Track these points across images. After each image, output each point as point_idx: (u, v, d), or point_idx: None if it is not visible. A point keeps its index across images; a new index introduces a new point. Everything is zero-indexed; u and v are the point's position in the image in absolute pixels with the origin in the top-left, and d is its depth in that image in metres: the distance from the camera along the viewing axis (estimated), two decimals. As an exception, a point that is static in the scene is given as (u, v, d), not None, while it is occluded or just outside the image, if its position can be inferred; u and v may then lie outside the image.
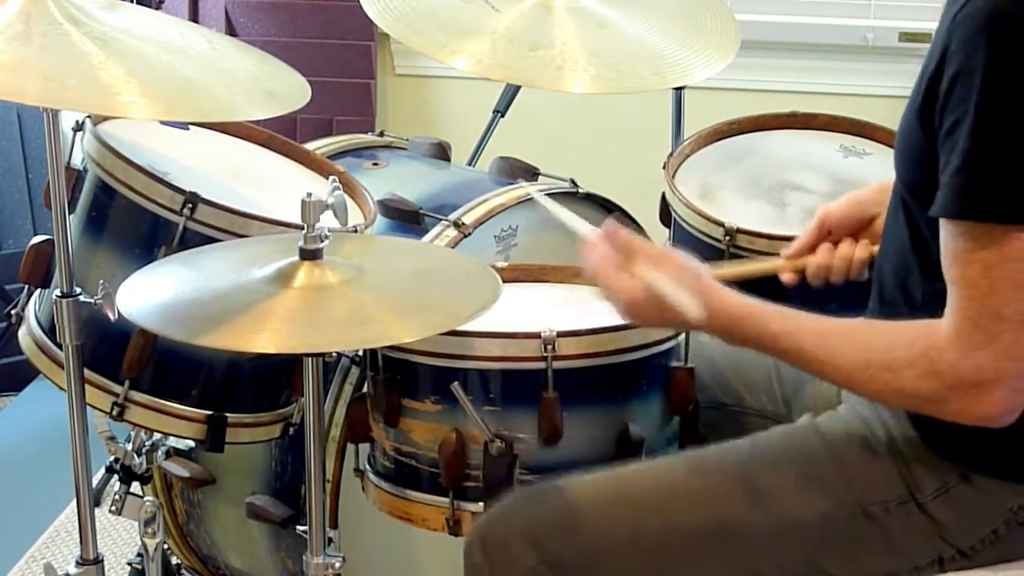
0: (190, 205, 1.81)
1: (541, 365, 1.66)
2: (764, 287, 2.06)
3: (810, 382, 1.76)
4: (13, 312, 2.00)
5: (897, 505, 1.52)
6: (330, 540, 1.69)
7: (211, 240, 1.81)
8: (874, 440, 1.56)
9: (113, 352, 1.86)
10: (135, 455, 2.14)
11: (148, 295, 1.59)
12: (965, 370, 1.39)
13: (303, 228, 1.58)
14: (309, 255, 1.57)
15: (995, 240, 1.36)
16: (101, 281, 1.82)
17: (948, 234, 1.41)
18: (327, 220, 1.59)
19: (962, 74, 1.36)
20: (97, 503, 2.61)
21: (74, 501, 1.94)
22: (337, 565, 1.66)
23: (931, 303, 1.45)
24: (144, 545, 1.91)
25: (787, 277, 1.80)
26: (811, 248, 1.81)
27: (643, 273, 1.54)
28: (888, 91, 3.30)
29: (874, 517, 1.53)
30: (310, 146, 2.27)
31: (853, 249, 1.78)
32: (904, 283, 1.55)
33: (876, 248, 1.72)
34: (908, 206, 1.52)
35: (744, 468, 1.58)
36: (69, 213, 1.85)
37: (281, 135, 2.17)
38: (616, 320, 1.67)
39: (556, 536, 1.56)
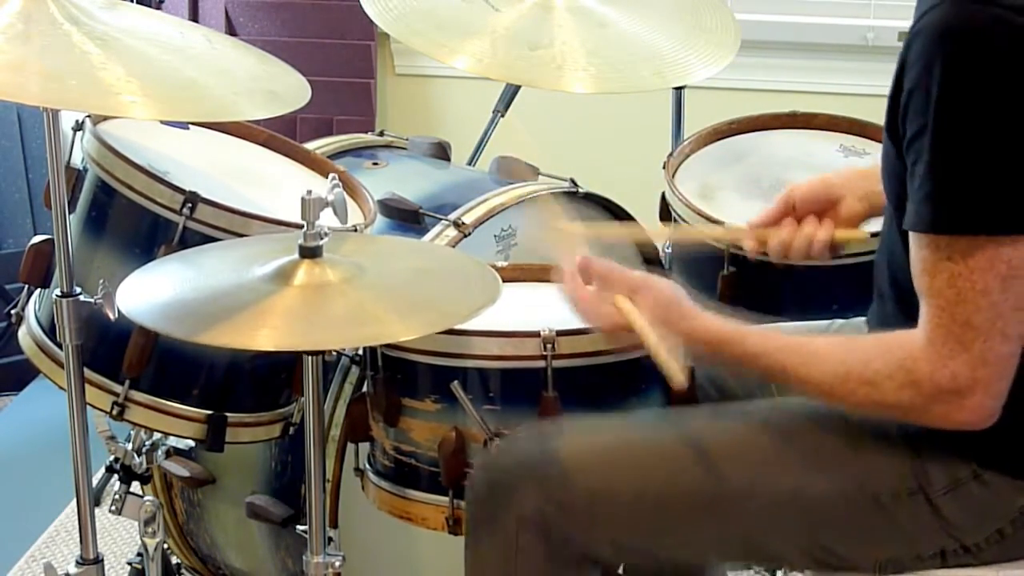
0: (190, 204, 1.82)
1: (541, 364, 1.66)
2: (763, 288, 2.08)
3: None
4: (13, 312, 2.00)
5: (907, 495, 1.53)
6: (330, 540, 1.69)
7: (211, 239, 1.82)
8: (891, 429, 1.56)
9: (113, 352, 1.86)
10: (135, 455, 2.13)
11: (148, 294, 1.59)
12: (943, 379, 1.40)
13: (303, 227, 1.58)
14: (309, 253, 1.57)
15: (959, 251, 1.38)
16: (101, 281, 1.82)
17: (915, 246, 1.42)
18: (327, 218, 1.60)
19: (918, 88, 1.38)
20: (97, 503, 2.61)
21: (74, 501, 1.95)
22: (337, 564, 1.66)
23: None
24: (144, 545, 1.92)
25: (749, 245, 1.80)
26: (775, 221, 1.80)
27: (620, 303, 1.56)
28: (888, 91, 3.29)
29: (883, 504, 1.53)
30: (310, 146, 2.27)
31: (816, 229, 1.77)
32: (900, 286, 1.55)
33: (839, 232, 1.74)
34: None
35: (755, 437, 1.58)
36: (69, 213, 1.85)
37: (281, 135, 2.17)
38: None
39: (563, 478, 1.56)
